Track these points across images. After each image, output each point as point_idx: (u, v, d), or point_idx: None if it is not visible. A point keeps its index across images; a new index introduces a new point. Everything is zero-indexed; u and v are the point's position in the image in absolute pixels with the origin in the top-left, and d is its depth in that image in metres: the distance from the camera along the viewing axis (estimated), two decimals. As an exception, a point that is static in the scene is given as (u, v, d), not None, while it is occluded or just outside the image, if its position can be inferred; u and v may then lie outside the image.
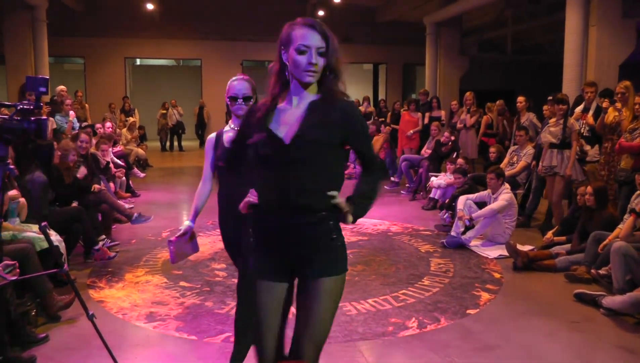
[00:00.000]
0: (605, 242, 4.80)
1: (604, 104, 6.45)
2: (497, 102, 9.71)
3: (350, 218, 2.07)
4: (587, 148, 6.83)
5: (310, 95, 2.07)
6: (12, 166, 2.73)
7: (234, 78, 2.98)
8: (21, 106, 2.59)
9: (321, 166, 2.02)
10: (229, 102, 2.94)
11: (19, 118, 2.54)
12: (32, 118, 2.57)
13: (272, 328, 2.10)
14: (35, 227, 4.26)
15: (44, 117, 2.70)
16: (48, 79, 2.71)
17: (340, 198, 2.04)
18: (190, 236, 3.03)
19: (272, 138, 2.04)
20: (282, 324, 2.14)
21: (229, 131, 2.99)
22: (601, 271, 4.71)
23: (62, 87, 9.34)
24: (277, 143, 2.02)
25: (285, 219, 2.03)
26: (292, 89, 2.08)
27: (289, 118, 2.06)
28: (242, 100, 2.91)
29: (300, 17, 2.09)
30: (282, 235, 2.05)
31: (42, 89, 2.66)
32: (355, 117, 2.09)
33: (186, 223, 3.02)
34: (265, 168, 2.06)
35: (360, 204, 2.11)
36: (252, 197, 2.11)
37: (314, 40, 2.00)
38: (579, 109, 7.23)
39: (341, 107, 2.05)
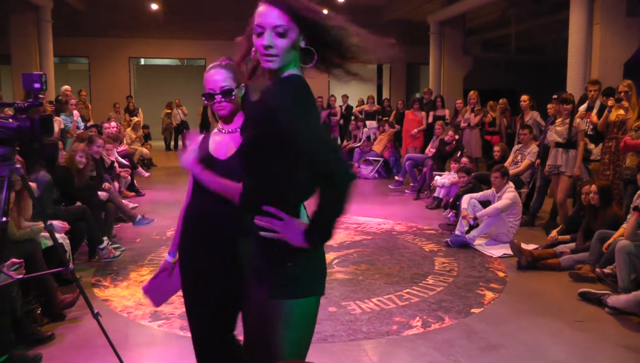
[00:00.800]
0: (609, 241, 4.79)
1: (609, 103, 6.44)
2: (501, 100, 9.70)
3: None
4: (592, 146, 6.82)
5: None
6: (17, 166, 2.74)
7: (210, 66, 2.32)
8: (16, 105, 2.58)
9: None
10: (206, 102, 2.31)
11: (11, 117, 2.54)
12: (24, 116, 2.55)
13: None
14: (41, 225, 4.27)
15: (47, 114, 2.70)
16: (42, 75, 2.69)
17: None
18: (170, 272, 2.46)
19: None
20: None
21: (217, 133, 2.34)
22: (606, 270, 4.70)
23: (66, 87, 9.37)
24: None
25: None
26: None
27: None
28: (220, 95, 2.24)
29: None
30: None
31: (37, 86, 2.65)
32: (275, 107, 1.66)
33: (166, 257, 2.46)
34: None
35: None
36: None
37: (270, 18, 1.67)
38: (582, 107, 7.22)
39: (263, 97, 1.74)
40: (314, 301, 1.80)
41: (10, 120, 2.60)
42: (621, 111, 6.07)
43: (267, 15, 1.67)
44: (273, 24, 1.66)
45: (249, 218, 1.78)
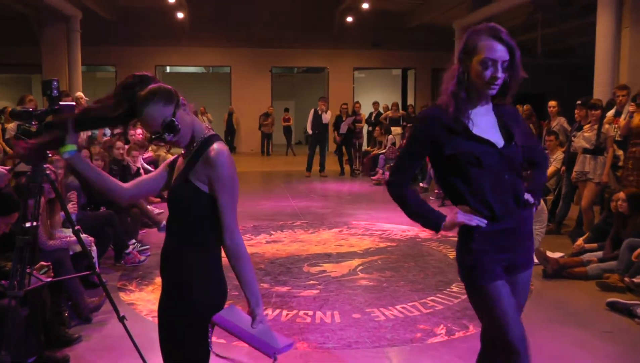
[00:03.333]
0: (639, 250, 4.70)
1: (630, 108, 6.33)
2: (524, 106, 9.56)
3: None
4: (620, 152, 6.70)
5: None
6: (48, 172, 2.81)
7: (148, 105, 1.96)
8: (36, 112, 2.64)
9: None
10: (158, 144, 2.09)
11: (34, 123, 2.59)
12: (44, 122, 2.60)
13: None
14: (69, 231, 4.35)
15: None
16: (52, 81, 2.75)
17: None
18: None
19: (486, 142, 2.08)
20: None
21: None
22: (635, 280, 4.60)
23: (79, 93, 9.53)
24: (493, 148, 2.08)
25: (511, 222, 2.12)
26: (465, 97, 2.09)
27: (485, 123, 2.11)
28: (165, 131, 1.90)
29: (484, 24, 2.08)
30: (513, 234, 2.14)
31: (48, 92, 2.72)
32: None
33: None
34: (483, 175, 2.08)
35: None
36: (471, 219, 2.12)
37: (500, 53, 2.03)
38: (610, 113, 7.10)
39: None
40: None
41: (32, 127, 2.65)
42: None
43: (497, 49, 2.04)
44: (503, 58, 2.04)
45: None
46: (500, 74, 2.00)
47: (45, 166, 2.81)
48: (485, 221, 2.08)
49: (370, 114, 14.68)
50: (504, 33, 2.02)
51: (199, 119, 2.08)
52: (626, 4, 9.18)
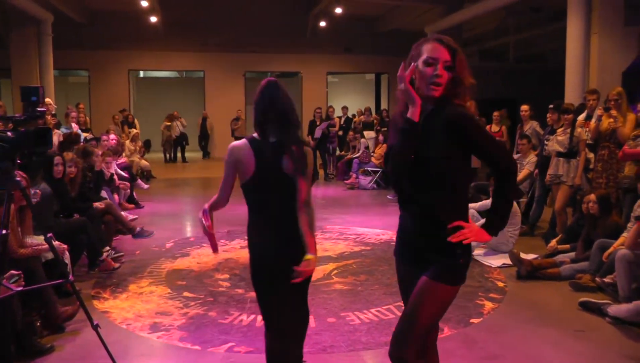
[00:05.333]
0: (610, 250, 4.79)
1: (598, 112, 6.47)
2: (495, 113, 9.56)
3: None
4: (591, 155, 6.82)
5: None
6: (17, 179, 2.76)
7: None
8: (14, 118, 2.63)
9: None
10: None
11: (10, 130, 2.58)
12: (22, 129, 2.60)
13: None
14: (41, 238, 4.27)
15: (43, 126, 2.75)
16: (39, 88, 2.75)
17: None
18: None
19: None
20: None
21: None
22: (606, 280, 4.69)
23: (47, 99, 9.39)
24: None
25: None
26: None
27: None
28: None
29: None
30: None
31: (34, 98, 2.71)
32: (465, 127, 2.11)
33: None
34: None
35: None
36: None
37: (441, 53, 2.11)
38: (581, 117, 7.24)
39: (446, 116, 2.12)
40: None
41: (9, 133, 2.63)
42: (611, 120, 6.07)
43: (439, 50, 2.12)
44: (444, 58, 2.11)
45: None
46: (441, 72, 2.08)
47: (15, 172, 2.76)
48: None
49: (339, 118, 14.71)
50: (446, 38, 2.14)
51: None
52: (595, 11, 9.38)
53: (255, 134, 2.52)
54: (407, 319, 2.23)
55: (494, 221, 2.20)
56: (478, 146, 2.15)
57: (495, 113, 9.27)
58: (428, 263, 2.20)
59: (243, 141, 2.51)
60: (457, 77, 2.12)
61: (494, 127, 9.11)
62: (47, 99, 9.41)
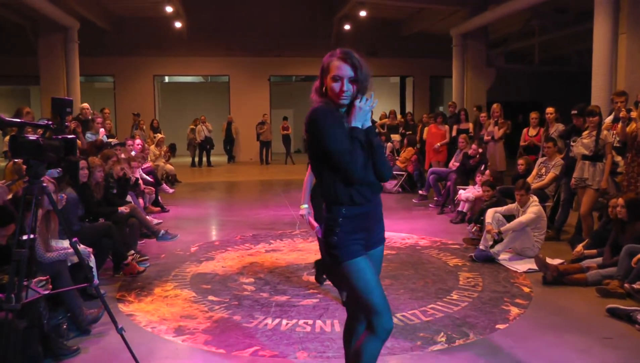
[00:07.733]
0: (639, 255, 4.69)
1: (621, 114, 6.34)
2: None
3: None
4: (618, 158, 6.70)
5: None
6: (45, 184, 2.82)
7: None
8: (53, 126, 2.74)
9: None
10: None
11: (55, 137, 2.69)
12: (60, 136, 2.72)
13: None
14: (67, 243, 4.35)
15: (70, 136, 2.90)
16: (72, 101, 2.92)
17: None
18: None
19: None
20: None
21: None
22: (635, 286, 4.59)
23: (85, 104, 9.56)
24: None
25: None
26: None
27: None
28: None
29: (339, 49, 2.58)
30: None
31: (69, 110, 2.86)
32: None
33: None
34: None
35: None
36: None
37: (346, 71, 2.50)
38: (609, 119, 7.11)
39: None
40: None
41: (54, 140, 2.77)
42: (634, 123, 5.95)
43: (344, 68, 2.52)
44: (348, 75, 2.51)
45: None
46: (346, 88, 2.49)
47: (42, 178, 2.82)
48: None
49: None
50: (350, 54, 2.56)
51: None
52: (623, 10, 9.20)
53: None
54: None
55: None
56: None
57: (533, 115, 8.68)
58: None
59: None
60: (361, 86, 2.55)
61: (532, 131, 8.53)
62: (84, 104, 9.61)
